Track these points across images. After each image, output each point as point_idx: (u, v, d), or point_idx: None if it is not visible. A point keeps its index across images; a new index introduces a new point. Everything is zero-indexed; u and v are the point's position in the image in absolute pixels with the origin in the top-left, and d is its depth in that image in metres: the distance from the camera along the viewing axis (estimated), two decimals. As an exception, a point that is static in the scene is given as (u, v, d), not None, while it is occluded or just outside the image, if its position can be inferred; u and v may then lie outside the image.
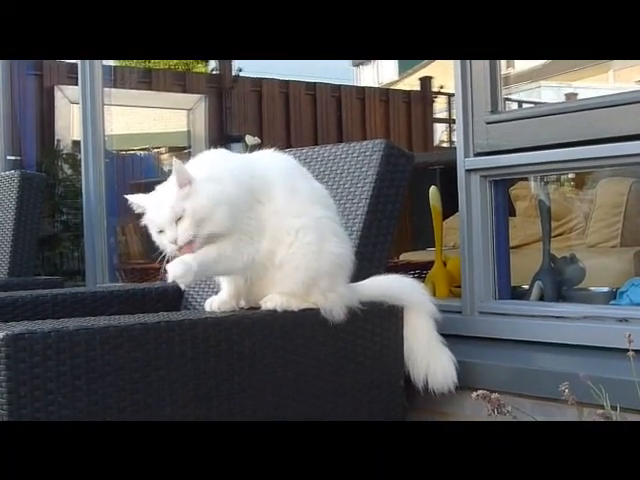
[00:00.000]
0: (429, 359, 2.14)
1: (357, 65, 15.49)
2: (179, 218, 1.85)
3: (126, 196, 1.94)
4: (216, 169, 1.96)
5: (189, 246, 1.87)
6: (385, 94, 8.50)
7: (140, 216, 1.94)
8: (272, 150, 2.13)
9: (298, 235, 1.97)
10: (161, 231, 1.89)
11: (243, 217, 1.93)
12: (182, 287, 1.91)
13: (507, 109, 2.81)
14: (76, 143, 5.23)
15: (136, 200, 1.94)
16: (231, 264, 1.96)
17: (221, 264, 1.95)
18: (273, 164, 2.07)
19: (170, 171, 1.88)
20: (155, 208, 1.90)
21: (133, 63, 7.64)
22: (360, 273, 2.12)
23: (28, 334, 1.68)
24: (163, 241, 1.89)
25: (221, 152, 2.09)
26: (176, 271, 1.86)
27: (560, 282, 2.99)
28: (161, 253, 1.90)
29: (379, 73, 17.12)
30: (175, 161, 1.87)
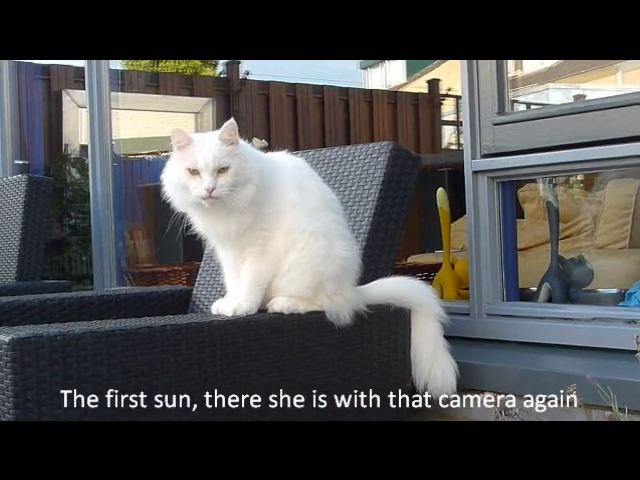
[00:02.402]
0: (432, 363, 2.13)
1: (365, 68, 15.48)
2: (221, 169, 1.87)
3: (175, 129, 1.92)
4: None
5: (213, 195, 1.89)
6: (393, 97, 8.50)
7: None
8: (284, 152, 2.13)
9: (310, 239, 1.98)
10: (194, 171, 1.88)
11: (262, 207, 1.95)
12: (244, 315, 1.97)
13: (515, 111, 2.80)
14: (84, 147, 5.24)
15: (181, 135, 1.92)
16: (268, 267, 2.00)
17: (264, 275, 2.00)
18: (285, 166, 2.07)
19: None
20: (197, 148, 1.89)
21: (141, 67, 7.65)
22: (367, 275, 2.11)
23: (34, 338, 1.68)
24: (190, 184, 1.89)
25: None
26: (233, 309, 1.97)
27: (568, 284, 2.98)
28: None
29: (387, 76, 17.10)
30: (229, 122, 1.89)
